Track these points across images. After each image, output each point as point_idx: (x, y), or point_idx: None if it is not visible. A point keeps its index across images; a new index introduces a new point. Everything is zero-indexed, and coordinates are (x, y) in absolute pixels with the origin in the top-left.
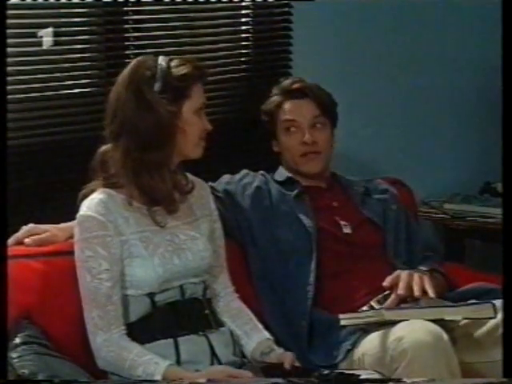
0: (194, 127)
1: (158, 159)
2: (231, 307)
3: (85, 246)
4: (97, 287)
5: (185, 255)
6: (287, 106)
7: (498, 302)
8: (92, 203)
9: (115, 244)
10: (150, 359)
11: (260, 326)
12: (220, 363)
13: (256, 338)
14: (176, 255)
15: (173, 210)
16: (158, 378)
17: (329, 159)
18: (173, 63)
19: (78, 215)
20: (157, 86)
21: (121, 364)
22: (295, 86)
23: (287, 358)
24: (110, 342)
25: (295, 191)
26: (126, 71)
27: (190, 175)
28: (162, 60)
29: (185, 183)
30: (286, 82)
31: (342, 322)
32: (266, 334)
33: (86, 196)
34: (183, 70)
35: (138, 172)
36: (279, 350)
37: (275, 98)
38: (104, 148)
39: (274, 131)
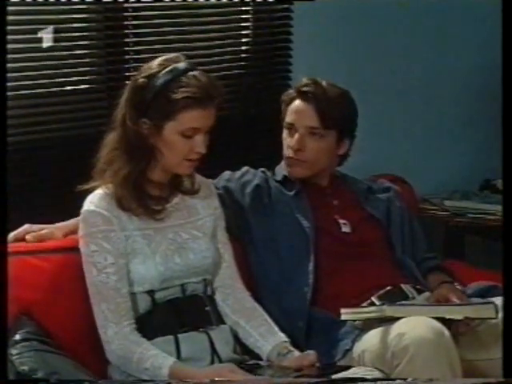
0: (175, 147)
1: (130, 170)
2: (244, 306)
3: (90, 241)
4: (103, 281)
5: (186, 254)
6: (293, 105)
7: (500, 302)
8: (96, 198)
9: (119, 239)
10: (159, 352)
11: (275, 327)
12: (220, 360)
13: (272, 340)
14: (177, 254)
15: (154, 217)
16: (164, 370)
17: (319, 168)
18: (176, 83)
19: (82, 211)
20: (148, 96)
21: (129, 357)
22: (304, 88)
23: (309, 358)
24: (120, 335)
25: (293, 191)
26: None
27: (197, 176)
28: (164, 75)
29: (190, 185)
30: (303, 81)
31: (343, 317)
32: (282, 337)
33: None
34: (178, 95)
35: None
36: (296, 352)
37: (291, 93)
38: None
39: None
